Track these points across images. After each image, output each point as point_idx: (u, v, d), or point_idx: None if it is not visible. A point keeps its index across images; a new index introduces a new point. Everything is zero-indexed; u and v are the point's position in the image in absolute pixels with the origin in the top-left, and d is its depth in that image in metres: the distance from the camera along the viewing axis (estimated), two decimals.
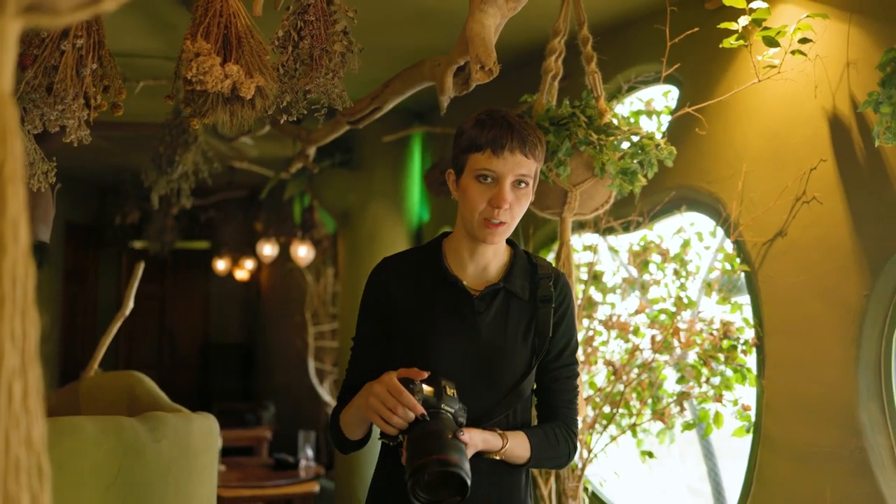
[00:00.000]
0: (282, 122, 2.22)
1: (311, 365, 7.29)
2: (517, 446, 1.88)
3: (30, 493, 0.68)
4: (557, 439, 1.96)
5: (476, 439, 1.77)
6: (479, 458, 1.81)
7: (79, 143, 1.96)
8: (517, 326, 1.94)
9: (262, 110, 2.03)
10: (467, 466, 1.64)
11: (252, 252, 9.23)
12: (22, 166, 0.71)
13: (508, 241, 2.02)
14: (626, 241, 3.65)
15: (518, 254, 2.02)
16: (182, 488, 2.34)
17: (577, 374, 2.03)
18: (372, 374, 1.98)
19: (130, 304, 3.51)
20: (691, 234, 3.36)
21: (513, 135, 1.84)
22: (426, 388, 1.73)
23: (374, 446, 1.98)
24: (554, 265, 2.34)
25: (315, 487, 5.10)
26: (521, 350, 1.93)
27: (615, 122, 2.69)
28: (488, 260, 1.97)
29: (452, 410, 1.74)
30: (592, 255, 3.58)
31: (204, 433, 2.50)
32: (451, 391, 1.76)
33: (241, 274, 9.53)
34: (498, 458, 1.86)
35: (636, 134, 2.67)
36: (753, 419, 3.07)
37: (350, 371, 2.04)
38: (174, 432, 2.32)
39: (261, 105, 2.00)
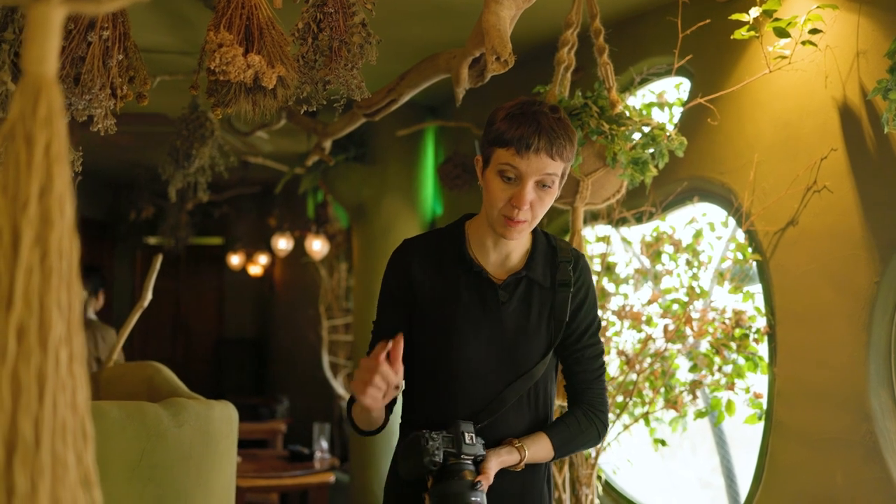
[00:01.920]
0: (301, 112, 2.27)
1: (326, 359, 7.34)
2: (538, 451, 1.91)
3: (75, 453, 0.72)
4: (581, 426, 1.98)
5: (492, 469, 1.81)
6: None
7: (105, 132, 2.02)
8: (539, 313, 1.95)
9: (284, 100, 2.07)
10: None
11: (265, 247, 9.29)
12: (66, 146, 0.76)
13: None
14: (639, 233, 3.69)
15: (539, 238, 2.02)
16: (203, 473, 2.37)
17: (601, 353, 2.04)
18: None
19: (149, 297, 3.55)
20: (703, 225, 3.39)
21: (540, 135, 1.79)
22: (445, 437, 1.79)
23: (389, 440, 2.03)
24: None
25: (330, 478, 5.15)
26: (541, 336, 1.95)
27: (626, 112, 2.72)
28: (511, 248, 1.97)
29: (471, 458, 1.79)
30: (605, 246, 3.62)
31: (224, 420, 2.54)
32: (469, 436, 1.80)
33: (255, 269, 9.59)
34: (520, 468, 1.89)
35: (647, 124, 2.71)
36: (765, 406, 3.10)
37: None
38: (195, 418, 2.36)
39: (282, 95, 2.04)
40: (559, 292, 1.97)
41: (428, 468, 1.76)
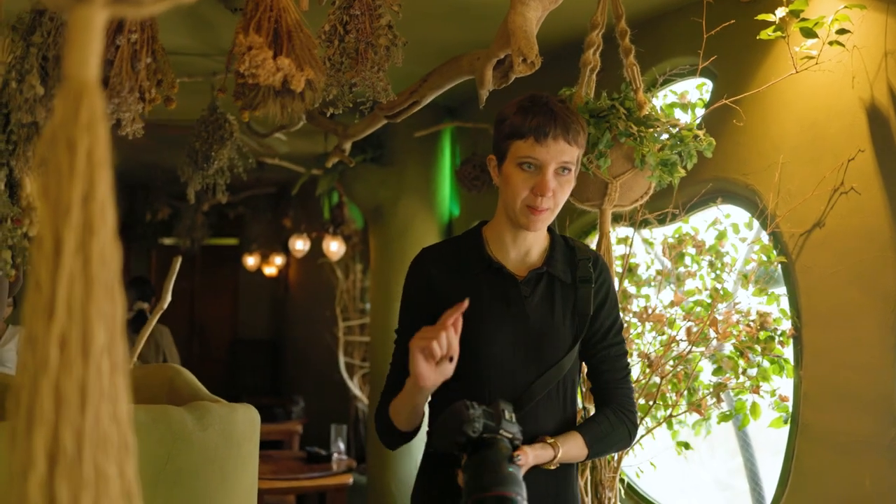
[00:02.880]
0: (328, 115, 2.26)
1: (342, 360, 7.33)
2: (571, 449, 1.90)
3: (118, 466, 0.70)
4: (613, 426, 1.98)
5: (529, 459, 1.78)
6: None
7: (132, 136, 2.01)
8: (562, 309, 1.96)
9: (311, 103, 2.06)
10: (524, 493, 1.65)
11: (280, 248, 9.29)
12: (108, 152, 0.74)
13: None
14: (661, 234, 3.66)
15: (556, 238, 2.04)
16: (227, 476, 2.37)
17: (625, 353, 2.05)
18: None
19: (168, 299, 3.55)
20: (727, 226, 3.36)
21: (556, 122, 1.83)
22: (486, 410, 1.73)
23: (411, 447, 2.00)
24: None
25: (349, 479, 5.14)
26: (566, 330, 1.96)
27: (653, 114, 2.71)
28: (530, 245, 1.99)
29: (510, 435, 1.75)
30: (626, 248, 3.59)
31: (247, 423, 2.53)
32: (509, 415, 1.76)
33: (270, 270, 9.60)
34: (553, 467, 1.87)
35: (675, 125, 2.69)
36: (791, 409, 3.08)
37: (394, 364, 2.02)
38: (219, 421, 2.35)
39: (310, 98, 2.03)
40: (581, 288, 1.98)
41: (467, 435, 1.68)
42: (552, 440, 1.87)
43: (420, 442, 2.10)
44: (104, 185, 0.72)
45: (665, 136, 2.67)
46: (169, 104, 2.06)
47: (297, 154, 7.02)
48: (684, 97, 3.51)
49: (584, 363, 2.09)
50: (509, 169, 1.90)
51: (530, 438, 1.88)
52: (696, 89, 3.40)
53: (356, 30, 2.19)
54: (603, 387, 2.04)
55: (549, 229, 2.05)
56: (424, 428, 2.07)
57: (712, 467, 4.51)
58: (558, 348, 1.94)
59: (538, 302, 1.95)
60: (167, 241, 9.73)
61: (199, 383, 3.05)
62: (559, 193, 1.88)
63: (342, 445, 5.66)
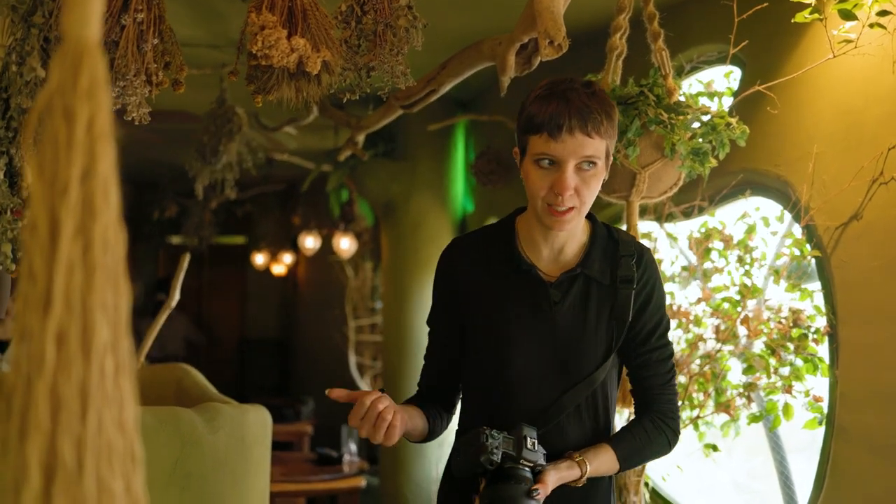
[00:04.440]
0: (343, 101, 2.14)
1: (352, 359, 7.23)
2: (601, 465, 1.78)
3: (123, 480, 0.63)
4: (650, 437, 1.84)
5: (548, 488, 1.68)
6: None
7: (139, 122, 1.90)
8: (597, 314, 1.81)
9: (328, 87, 1.95)
10: None
11: (289, 246, 9.21)
12: (111, 123, 0.64)
13: (588, 216, 1.87)
14: (686, 228, 3.54)
15: (598, 231, 1.87)
16: (238, 480, 2.30)
17: (670, 355, 1.90)
18: (450, 361, 1.92)
19: (177, 297, 3.47)
20: (756, 219, 3.24)
21: (571, 113, 1.65)
22: (506, 438, 1.66)
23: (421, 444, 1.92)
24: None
25: (361, 482, 5.03)
26: (600, 339, 1.81)
27: (683, 100, 2.59)
28: (563, 242, 1.83)
29: (531, 464, 1.67)
30: (650, 242, 3.48)
31: (258, 425, 2.47)
32: (531, 442, 1.67)
33: (279, 268, 9.53)
34: (581, 484, 1.76)
35: (706, 113, 2.57)
36: (826, 410, 2.95)
37: (428, 359, 1.97)
38: (230, 423, 2.29)
39: (327, 81, 1.92)
40: (621, 290, 1.82)
41: (484, 467, 1.62)
42: (580, 457, 1.75)
43: (432, 444, 2.01)
44: (107, 161, 0.64)
45: (696, 124, 2.54)
46: (177, 88, 1.94)
47: (307, 150, 6.93)
48: (710, 86, 3.39)
49: (623, 365, 1.95)
50: (528, 165, 1.74)
51: (557, 454, 1.77)
52: (724, 77, 3.27)
53: (374, 10, 2.07)
54: (644, 393, 1.90)
55: (593, 219, 1.89)
56: (452, 427, 1.99)
57: (730, 468, 4.39)
58: (589, 359, 1.81)
59: (569, 307, 1.80)
60: (175, 239, 9.66)
61: (209, 383, 2.97)
62: (584, 190, 1.71)
63: (353, 447, 5.54)
